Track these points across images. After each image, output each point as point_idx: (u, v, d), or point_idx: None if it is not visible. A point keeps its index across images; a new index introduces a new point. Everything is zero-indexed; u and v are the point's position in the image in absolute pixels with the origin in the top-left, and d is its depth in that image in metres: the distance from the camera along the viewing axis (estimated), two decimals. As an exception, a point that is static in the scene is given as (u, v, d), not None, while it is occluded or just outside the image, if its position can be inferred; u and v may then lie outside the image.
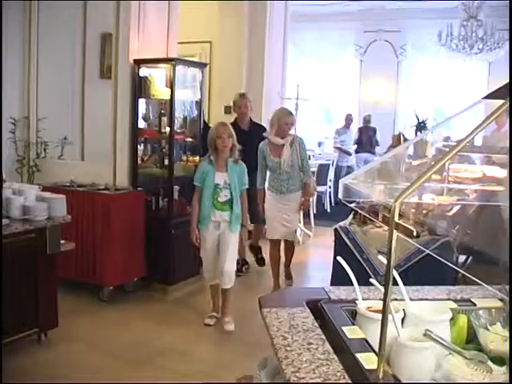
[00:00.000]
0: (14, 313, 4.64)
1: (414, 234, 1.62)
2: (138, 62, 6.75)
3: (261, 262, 7.87)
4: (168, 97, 6.61)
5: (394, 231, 1.71)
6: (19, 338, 4.75)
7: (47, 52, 7.83)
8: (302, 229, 9.75)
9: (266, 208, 6.72)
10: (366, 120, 13.92)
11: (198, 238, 5.64)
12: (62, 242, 5.10)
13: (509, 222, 2.26)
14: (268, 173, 6.65)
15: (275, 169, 6.50)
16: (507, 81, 2.14)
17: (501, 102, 1.91)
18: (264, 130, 7.01)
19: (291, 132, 6.64)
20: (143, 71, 6.78)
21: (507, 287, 1.98)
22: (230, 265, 5.68)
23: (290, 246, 6.84)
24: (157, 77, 6.83)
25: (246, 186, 5.75)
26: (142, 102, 6.87)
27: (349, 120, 14.02)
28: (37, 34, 7.74)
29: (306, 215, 10.44)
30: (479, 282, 1.63)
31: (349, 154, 13.74)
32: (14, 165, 7.56)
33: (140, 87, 6.75)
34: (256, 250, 7.94)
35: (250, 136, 6.97)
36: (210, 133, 5.58)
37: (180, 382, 4.32)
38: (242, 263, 7.55)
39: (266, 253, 7.40)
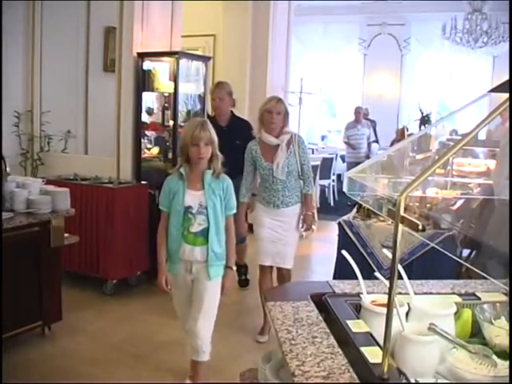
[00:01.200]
0: (18, 306, 4.64)
1: (420, 227, 1.61)
2: (142, 56, 6.74)
3: (244, 283, 6.80)
4: (172, 90, 6.60)
5: (400, 225, 1.70)
6: (23, 331, 4.76)
7: (51, 46, 7.81)
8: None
9: (255, 226, 5.30)
10: (364, 114, 13.88)
11: (167, 283, 4.02)
12: (66, 235, 5.10)
13: (509, 220, 2.25)
14: (258, 180, 5.29)
15: (267, 176, 5.07)
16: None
17: (506, 95, 1.90)
18: (248, 126, 5.92)
19: (287, 129, 5.12)
20: (147, 64, 6.77)
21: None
22: (204, 327, 4.05)
23: (286, 275, 5.26)
24: (160, 70, 6.82)
25: (234, 211, 4.13)
26: (145, 96, 6.86)
27: (358, 113, 12.57)
28: (40, 27, 7.72)
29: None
30: (485, 275, 1.63)
31: (353, 148, 12.31)
32: (18, 158, 7.55)
33: (144, 81, 6.74)
34: (240, 270, 6.71)
35: (228, 135, 5.60)
36: (183, 137, 4.00)
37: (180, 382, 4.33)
38: (244, 272, 6.82)
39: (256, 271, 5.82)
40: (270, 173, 5.04)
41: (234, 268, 4.33)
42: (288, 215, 5.12)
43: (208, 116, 6.35)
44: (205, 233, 3.91)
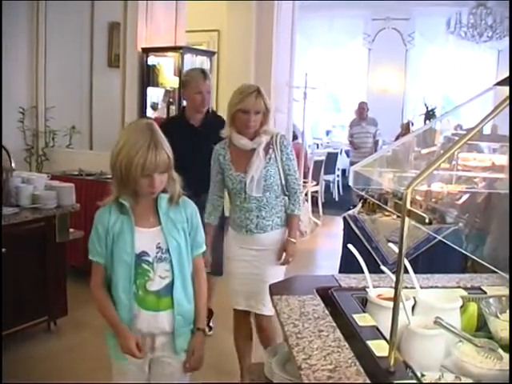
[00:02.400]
0: (24, 301, 4.66)
1: (427, 220, 1.62)
2: (146, 51, 6.75)
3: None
4: (176, 85, 6.62)
5: (406, 218, 1.70)
6: (29, 326, 4.77)
7: (55, 41, 7.82)
8: (310, 217, 9.74)
9: (225, 257, 4.26)
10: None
11: (139, 346, 2.58)
12: (71, 230, 5.12)
13: (509, 216, 2.26)
14: (229, 198, 4.02)
15: (237, 191, 3.82)
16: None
17: (511, 88, 1.90)
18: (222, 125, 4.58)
19: (267, 128, 3.82)
20: (151, 60, 6.79)
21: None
22: None
23: (265, 325, 3.92)
24: (165, 65, 6.84)
25: (203, 249, 2.79)
26: (150, 91, 6.86)
27: (362, 109, 11.55)
28: (45, 23, 7.73)
29: (315, 204, 10.45)
30: (493, 268, 1.62)
31: (356, 147, 11.29)
32: (23, 154, 7.57)
33: (148, 76, 6.77)
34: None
35: (202, 137, 4.59)
36: (125, 162, 2.44)
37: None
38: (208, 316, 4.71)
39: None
40: (242, 187, 3.77)
41: (208, 330, 3.57)
42: (265, 243, 3.84)
43: (174, 116, 5.59)
44: (170, 289, 2.58)
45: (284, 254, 3.85)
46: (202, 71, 4.88)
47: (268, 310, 3.74)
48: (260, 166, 3.75)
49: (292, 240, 3.88)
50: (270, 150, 3.80)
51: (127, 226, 2.55)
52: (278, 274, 3.78)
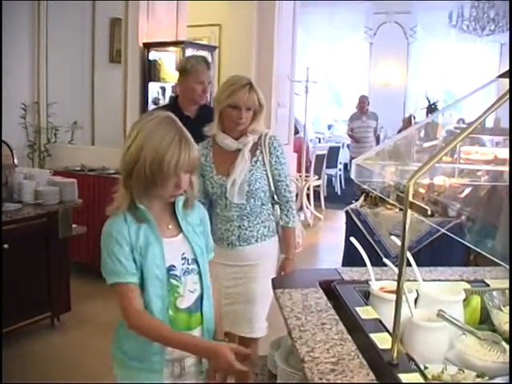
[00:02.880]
0: (27, 297, 4.66)
1: (429, 212, 1.62)
2: (148, 46, 6.74)
3: None
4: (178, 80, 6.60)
5: (409, 210, 1.70)
6: (32, 322, 4.78)
7: (57, 37, 7.81)
8: (312, 211, 9.75)
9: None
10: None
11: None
12: (74, 226, 5.13)
13: (509, 211, 2.25)
14: (210, 206, 3.42)
15: (218, 197, 3.36)
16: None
17: (514, 81, 1.90)
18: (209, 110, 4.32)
19: (256, 126, 3.35)
20: (153, 55, 6.78)
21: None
22: None
23: (252, 349, 2.93)
24: (166, 60, 6.84)
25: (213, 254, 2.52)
26: (151, 86, 6.86)
27: (362, 103, 11.13)
28: (46, 19, 7.72)
29: (317, 198, 10.44)
30: (498, 261, 1.62)
31: (358, 141, 10.90)
32: (25, 150, 7.56)
33: (150, 71, 6.76)
34: None
35: (196, 129, 3.60)
36: (151, 159, 2.08)
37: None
38: None
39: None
40: (223, 192, 3.31)
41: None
42: (251, 257, 3.36)
43: (167, 105, 5.00)
44: (199, 303, 2.29)
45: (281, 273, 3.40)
46: (205, 59, 4.45)
47: (255, 332, 3.36)
48: (244, 169, 3.29)
49: (291, 258, 3.43)
50: (258, 152, 3.36)
51: (153, 236, 2.18)
52: (266, 292, 3.09)
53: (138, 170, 2.07)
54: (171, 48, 6.87)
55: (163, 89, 7.07)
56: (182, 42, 6.77)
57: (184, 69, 4.33)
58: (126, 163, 2.11)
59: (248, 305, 3.36)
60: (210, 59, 6.91)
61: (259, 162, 3.34)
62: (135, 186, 2.11)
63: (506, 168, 4.57)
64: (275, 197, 3.41)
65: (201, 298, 2.29)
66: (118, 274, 2.11)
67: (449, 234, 2.44)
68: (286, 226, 3.44)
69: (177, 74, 6.63)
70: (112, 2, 7.52)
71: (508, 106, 1.89)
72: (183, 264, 2.24)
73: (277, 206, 3.45)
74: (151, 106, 6.84)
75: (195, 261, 2.28)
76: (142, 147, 2.07)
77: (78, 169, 6.66)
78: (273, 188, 3.38)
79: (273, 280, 2.74)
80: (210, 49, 7.28)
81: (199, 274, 2.28)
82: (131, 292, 2.12)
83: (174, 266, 2.22)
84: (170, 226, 2.26)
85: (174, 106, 4.31)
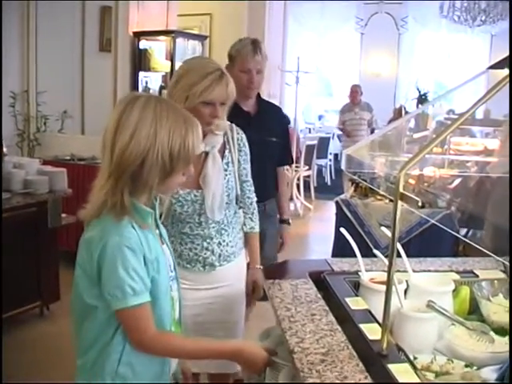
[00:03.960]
0: (17, 286, 4.65)
1: (419, 203, 1.62)
2: (138, 35, 6.72)
3: None
4: (168, 69, 6.61)
5: (399, 201, 1.71)
6: (21, 311, 4.77)
7: (46, 25, 7.76)
8: (302, 202, 9.76)
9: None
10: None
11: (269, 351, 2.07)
12: (63, 215, 5.10)
13: (509, 198, 2.26)
14: (170, 224, 2.71)
15: (189, 215, 2.69)
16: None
17: (505, 72, 1.90)
18: (284, 115, 4.21)
19: (220, 120, 2.67)
20: (143, 44, 6.76)
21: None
22: None
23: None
24: (157, 49, 6.82)
25: None
26: (142, 75, 6.84)
27: (354, 93, 10.30)
28: (36, 7, 7.67)
29: (307, 188, 10.45)
30: (484, 250, 1.63)
31: (349, 135, 10.02)
32: (15, 139, 7.53)
33: (140, 60, 6.74)
34: None
35: (258, 127, 3.45)
36: (161, 145, 1.82)
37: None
38: None
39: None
40: (196, 209, 2.68)
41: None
42: (228, 277, 2.83)
43: None
44: (179, 312, 2.15)
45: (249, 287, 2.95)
46: (253, 42, 3.59)
47: (233, 364, 2.63)
48: (220, 178, 2.72)
49: (259, 267, 2.95)
50: (226, 152, 2.81)
51: (157, 245, 1.96)
52: (241, 315, 2.91)
53: (153, 160, 1.80)
54: (161, 37, 6.85)
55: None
56: (172, 32, 6.76)
57: (229, 54, 3.66)
58: (132, 155, 1.80)
59: (227, 333, 2.81)
60: (200, 49, 6.90)
61: (230, 163, 2.81)
62: (148, 180, 1.83)
63: (495, 159, 4.59)
64: (239, 199, 2.88)
65: (179, 305, 2.14)
66: (139, 294, 1.81)
67: (438, 224, 2.44)
68: (251, 232, 2.96)
69: (167, 63, 6.67)
70: (102, -10, 7.50)
71: (501, 96, 1.89)
72: (171, 272, 2.07)
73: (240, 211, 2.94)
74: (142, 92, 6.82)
75: (174, 267, 2.11)
76: (154, 132, 1.81)
77: (68, 158, 6.63)
78: (238, 190, 2.85)
79: (263, 270, 2.72)
80: (201, 38, 7.27)
81: (176, 279, 2.11)
82: (149, 312, 1.86)
83: (171, 276, 2.06)
84: (156, 231, 2.03)
85: None
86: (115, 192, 1.81)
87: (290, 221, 3.86)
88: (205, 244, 2.72)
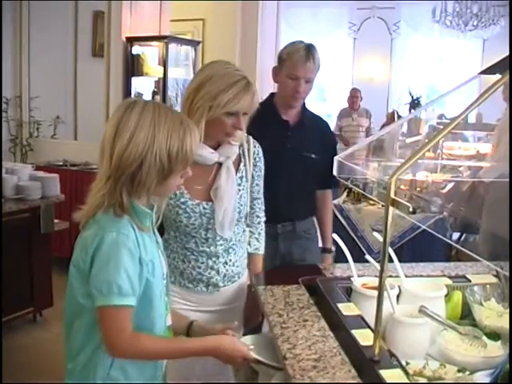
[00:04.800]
0: (9, 292, 4.63)
1: (411, 209, 1.62)
2: (131, 40, 6.71)
3: None
4: (161, 75, 6.60)
5: (390, 207, 1.71)
6: (14, 317, 4.75)
7: (39, 30, 7.76)
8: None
9: None
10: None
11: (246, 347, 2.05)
12: (56, 221, 5.09)
13: (509, 202, 2.26)
14: (174, 237, 2.56)
15: (195, 228, 2.50)
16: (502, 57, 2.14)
17: (495, 77, 1.90)
18: (328, 131, 3.63)
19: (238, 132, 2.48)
20: (136, 49, 6.75)
21: (502, 264, 1.99)
22: None
23: None
24: (149, 55, 6.81)
25: None
26: (134, 80, 6.83)
27: (355, 97, 9.78)
28: (28, 12, 7.66)
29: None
30: (477, 257, 1.63)
31: (346, 143, 9.10)
32: (7, 144, 7.52)
33: (133, 65, 6.73)
34: None
35: (297, 140, 3.22)
36: (162, 144, 1.84)
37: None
38: None
39: None
40: (203, 223, 2.50)
41: None
42: (231, 298, 2.65)
43: (262, 103, 2.90)
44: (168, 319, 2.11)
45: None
46: (307, 48, 3.22)
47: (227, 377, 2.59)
48: (233, 192, 2.54)
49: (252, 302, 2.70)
50: (241, 165, 2.62)
51: (154, 247, 1.98)
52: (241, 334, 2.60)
53: (151, 162, 1.82)
54: (154, 42, 6.85)
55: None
56: (165, 37, 6.76)
57: (279, 56, 3.32)
58: (130, 157, 1.81)
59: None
60: (193, 54, 6.89)
61: (244, 178, 2.62)
62: (146, 182, 1.85)
63: (488, 164, 4.60)
64: (248, 215, 2.69)
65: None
66: (125, 295, 1.79)
67: (429, 230, 2.44)
68: (256, 254, 2.77)
69: (160, 69, 6.66)
70: (95, -5, 7.49)
71: (493, 100, 1.90)
72: (164, 279, 2.04)
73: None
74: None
75: (166, 275, 2.09)
76: (153, 134, 1.83)
77: (61, 163, 6.63)
78: (248, 208, 2.68)
79: (255, 276, 2.71)
80: (194, 44, 7.27)
81: (167, 287, 2.10)
82: (129, 317, 1.84)
83: (164, 275, 2.06)
84: (152, 236, 2.02)
85: (269, 105, 3.29)
86: (114, 193, 1.83)
87: (333, 249, 3.43)
88: (210, 263, 2.54)
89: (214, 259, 2.54)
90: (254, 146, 2.68)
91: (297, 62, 3.14)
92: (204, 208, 2.49)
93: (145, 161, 1.82)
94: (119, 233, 1.81)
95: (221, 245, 2.55)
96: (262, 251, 2.78)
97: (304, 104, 3.33)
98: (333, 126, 9.98)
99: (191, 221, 2.48)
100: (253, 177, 2.67)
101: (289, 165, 2.87)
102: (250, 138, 2.66)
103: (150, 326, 1.92)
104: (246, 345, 2.04)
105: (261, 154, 2.71)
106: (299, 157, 3.18)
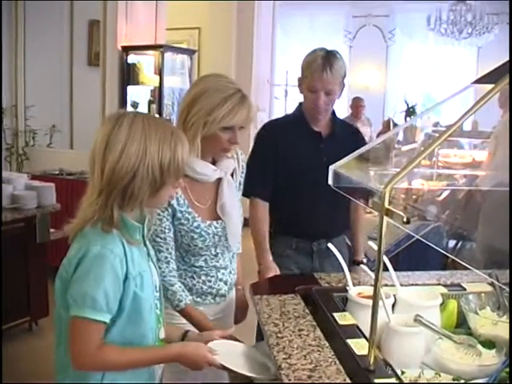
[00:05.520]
0: (5, 302, 4.62)
1: (405, 219, 1.62)
2: (126, 49, 6.74)
3: None
4: (157, 84, 6.62)
5: (385, 217, 1.71)
6: (11, 326, 4.74)
7: (35, 40, 7.78)
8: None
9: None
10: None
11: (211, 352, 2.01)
12: (52, 230, 5.08)
13: (509, 211, 2.27)
14: (179, 257, 2.49)
15: (207, 247, 2.48)
16: (495, 66, 2.14)
17: (490, 86, 1.91)
18: (360, 137, 3.34)
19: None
20: (131, 58, 6.77)
21: (497, 272, 1.99)
22: None
23: None
24: (145, 64, 6.84)
25: None
26: (130, 89, 6.85)
27: (359, 107, 9.83)
28: (24, 21, 7.69)
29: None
30: (470, 267, 1.64)
31: None
32: (3, 153, 7.52)
33: (128, 74, 6.75)
34: None
35: (330, 150, 2.94)
36: (154, 160, 1.83)
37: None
38: None
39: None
40: (215, 242, 2.49)
41: None
42: (232, 303, 2.73)
43: (297, 110, 3.23)
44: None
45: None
46: (325, 56, 2.98)
47: None
48: (237, 205, 2.58)
49: (239, 287, 2.78)
50: (234, 176, 2.61)
51: (144, 261, 1.96)
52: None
53: (143, 175, 1.81)
54: (150, 51, 6.87)
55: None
56: (160, 46, 6.78)
57: (301, 66, 3.11)
58: (122, 170, 1.80)
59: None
60: (189, 63, 6.91)
61: (237, 187, 2.65)
62: (139, 194, 1.84)
63: (484, 172, 4.61)
64: None
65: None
66: (98, 311, 1.78)
67: (424, 240, 2.43)
68: (236, 253, 2.73)
69: (155, 78, 6.66)
70: (90, 4, 7.51)
71: (488, 108, 1.91)
72: (157, 292, 2.04)
73: None
74: (130, 110, 6.83)
75: (159, 288, 2.08)
76: (144, 147, 1.81)
77: (57, 173, 6.62)
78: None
79: (251, 286, 2.71)
80: (190, 52, 7.30)
81: (160, 300, 2.08)
82: (99, 333, 1.83)
83: (156, 291, 2.03)
84: (144, 248, 2.01)
85: (299, 117, 3.14)
86: (105, 208, 1.82)
87: (364, 261, 3.36)
88: (219, 275, 2.55)
89: (222, 271, 2.57)
90: (241, 154, 2.67)
91: (313, 73, 2.96)
92: (215, 227, 2.48)
93: (137, 173, 1.81)
94: (104, 247, 1.80)
95: (226, 256, 2.58)
96: (240, 250, 2.73)
97: (334, 112, 3.17)
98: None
99: (206, 243, 2.46)
100: (240, 183, 2.68)
101: (325, 179, 2.65)
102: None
103: (141, 339, 1.91)
104: (213, 350, 2.01)
105: (245, 158, 2.69)
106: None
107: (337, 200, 2.86)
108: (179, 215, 2.40)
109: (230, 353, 2.10)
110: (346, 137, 3.15)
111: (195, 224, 2.42)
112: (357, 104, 9.88)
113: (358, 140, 3.19)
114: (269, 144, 2.83)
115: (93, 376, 1.89)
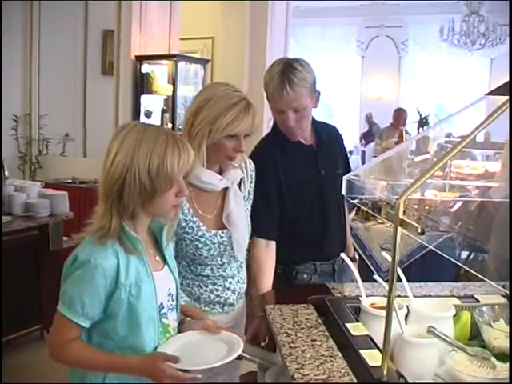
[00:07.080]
0: (17, 310, 4.64)
1: (419, 230, 1.62)
2: (140, 59, 6.76)
3: None
4: (170, 93, 6.64)
5: (399, 228, 1.71)
6: (22, 334, 4.75)
7: (49, 49, 7.83)
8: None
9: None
10: (368, 117, 13.76)
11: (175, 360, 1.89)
12: (65, 238, 5.10)
13: (509, 222, 2.26)
14: (186, 267, 2.50)
15: (213, 257, 2.49)
16: (508, 77, 2.14)
17: (504, 98, 1.91)
18: (339, 136, 3.17)
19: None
20: (145, 68, 6.79)
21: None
22: None
23: None
24: (159, 73, 6.85)
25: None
26: (144, 99, 6.87)
27: (401, 120, 9.85)
28: (38, 30, 7.74)
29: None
30: (482, 277, 1.63)
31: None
32: (16, 162, 7.55)
33: (142, 84, 6.77)
34: None
35: (318, 159, 2.90)
36: (154, 167, 1.86)
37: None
38: None
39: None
40: (221, 251, 2.50)
41: None
42: (242, 312, 2.75)
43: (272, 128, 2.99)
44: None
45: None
46: (283, 71, 2.72)
47: None
48: (244, 216, 2.56)
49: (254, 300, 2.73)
50: (242, 185, 2.60)
51: (144, 271, 1.93)
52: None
53: (131, 182, 1.84)
54: (163, 61, 6.90)
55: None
56: (174, 56, 6.80)
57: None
58: (112, 178, 1.87)
59: (231, 374, 2.66)
60: (202, 73, 6.92)
61: (245, 197, 2.62)
62: (129, 202, 1.87)
63: (496, 184, 4.59)
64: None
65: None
66: (72, 311, 1.86)
67: (436, 251, 2.42)
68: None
69: (169, 87, 6.68)
70: (104, 13, 7.56)
71: (501, 119, 1.90)
72: (168, 301, 2.03)
73: None
74: (143, 119, 6.85)
75: (176, 296, 2.08)
76: (132, 155, 1.85)
77: (70, 181, 6.66)
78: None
79: (263, 295, 2.70)
80: (203, 62, 7.32)
81: (176, 309, 2.09)
82: (73, 332, 1.90)
83: (162, 303, 2.00)
84: (156, 258, 2.04)
85: (276, 133, 2.91)
86: (105, 215, 1.89)
87: (357, 257, 3.28)
88: (227, 284, 2.55)
89: (229, 280, 2.57)
90: (250, 163, 2.66)
91: (273, 93, 2.72)
92: (221, 237, 2.48)
93: (125, 181, 1.86)
94: (90, 256, 1.84)
95: (233, 265, 2.58)
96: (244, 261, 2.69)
97: (313, 119, 2.97)
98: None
99: (211, 252, 2.47)
100: (249, 193, 2.65)
101: (331, 191, 2.67)
102: (244, 155, 2.59)
103: (141, 347, 1.92)
104: (173, 358, 1.88)
105: (254, 171, 2.67)
106: (333, 177, 2.83)
107: (339, 210, 2.95)
108: (183, 224, 2.41)
109: (193, 345, 2.02)
110: (331, 139, 3.04)
111: (200, 233, 2.43)
112: (400, 116, 9.85)
113: (339, 139, 3.13)
114: (270, 173, 2.72)
115: (95, 376, 1.97)
